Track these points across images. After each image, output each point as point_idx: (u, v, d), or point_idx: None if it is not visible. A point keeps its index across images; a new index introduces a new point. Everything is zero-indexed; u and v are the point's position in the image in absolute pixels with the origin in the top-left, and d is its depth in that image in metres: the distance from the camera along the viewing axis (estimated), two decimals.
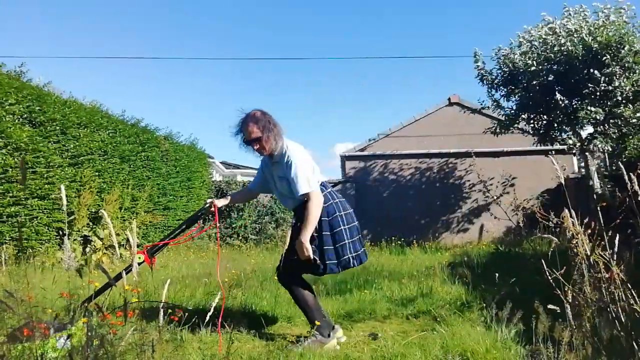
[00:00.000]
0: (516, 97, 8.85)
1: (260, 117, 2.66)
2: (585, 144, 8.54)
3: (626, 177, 1.69)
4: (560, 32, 7.92)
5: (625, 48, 7.41)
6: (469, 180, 11.23)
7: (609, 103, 7.89)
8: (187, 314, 2.69)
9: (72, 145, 6.46)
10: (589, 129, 8.64)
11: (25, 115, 5.77)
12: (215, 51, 57.63)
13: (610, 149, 8.26)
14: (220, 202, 2.90)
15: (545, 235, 2.03)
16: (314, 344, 2.54)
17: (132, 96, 71.63)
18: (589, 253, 1.68)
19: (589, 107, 7.80)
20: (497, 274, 3.29)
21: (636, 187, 1.66)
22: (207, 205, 2.87)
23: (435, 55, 41.47)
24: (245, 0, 61.74)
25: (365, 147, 12.08)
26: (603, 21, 7.69)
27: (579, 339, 1.76)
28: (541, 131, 9.15)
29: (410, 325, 3.15)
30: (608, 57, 7.41)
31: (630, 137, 8.07)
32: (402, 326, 3.14)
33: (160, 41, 61.99)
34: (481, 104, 9.66)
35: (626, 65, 7.57)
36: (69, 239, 5.79)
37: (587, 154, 8.69)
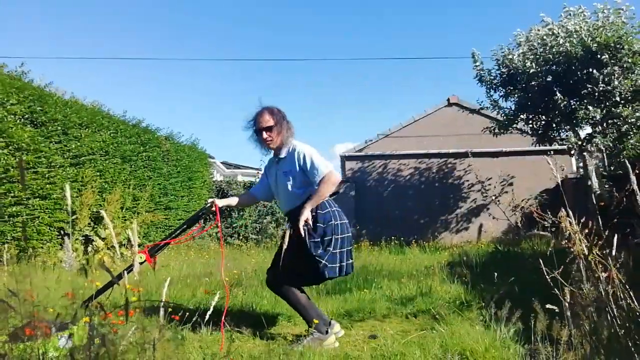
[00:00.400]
0: (515, 97, 8.87)
1: (276, 112, 2.80)
2: (584, 144, 8.56)
3: (623, 177, 1.70)
4: (559, 33, 7.94)
5: (625, 48, 7.43)
6: (467, 180, 11.25)
7: (607, 103, 7.91)
8: (188, 313, 2.70)
9: (73, 146, 6.48)
10: (588, 129, 8.66)
11: (26, 116, 5.78)
12: (215, 51, 57.71)
13: (609, 149, 8.28)
14: (222, 202, 2.91)
15: (543, 233, 2.04)
16: (314, 342, 2.56)
17: (133, 97, 71.62)
18: (586, 253, 1.70)
19: (587, 107, 7.82)
20: (496, 274, 3.31)
21: (635, 187, 1.67)
22: (208, 205, 2.89)
23: (436, 57, 41.42)
24: (245, 0, 61.79)
25: (364, 147, 12.09)
26: (602, 22, 7.71)
27: (577, 338, 1.78)
28: (540, 131, 9.17)
29: (409, 324, 3.16)
30: (607, 57, 7.43)
31: (629, 137, 8.09)
32: (402, 325, 3.16)
33: (160, 41, 62.04)
34: (480, 105, 9.69)
35: (625, 65, 7.59)
36: (69, 238, 5.81)
37: (585, 154, 8.71)
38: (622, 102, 7.82)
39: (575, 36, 7.74)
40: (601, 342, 1.67)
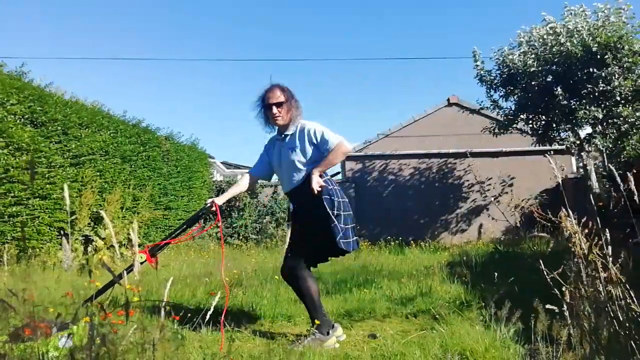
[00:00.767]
0: (515, 97, 8.87)
1: (287, 89, 2.85)
2: (584, 143, 8.56)
3: (618, 178, 1.70)
4: (560, 32, 7.95)
5: (625, 48, 7.44)
6: (467, 180, 11.26)
7: (607, 103, 7.91)
8: (188, 313, 2.70)
9: (73, 146, 6.48)
10: (588, 129, 8.66)
11: (26, 116, 5.78)
12: (216, 51, 57.66)
13: (608, 149, 8.28)
14: (221, 200, 2.89)
15: (542, 235, 2.04)
16: (314, 343, 2.56)
17: (133, 97, 71.56)
18: (586, 252, 1.70)
19: (587, 107, 7.83)
20: (495, 274, 3.31)
21: (632, 187, 1.67)
22: (208, 205, 2.88)
23: (436, 57, 41.42)
24: (245, 0, 61.77)
25: (364, 147, 12.10)
26: (603, 21, 7.72)
27: (577, 338, 1.78)
28: (540, 131, 9.18)
29: (409, 324, 3.16)
30: (607, 57, 7.44)
31: (629, 137, 8.10)
32: (402, 325, 3.16)
33: (160, 41, 62.04)
34: (480, 105, 9.69)
35: (625, 65, 7.60)
36: (69, 239, 5.82)
37: (583, 153, 8.72)
38: (622, 102, 7.83)
39: (576, 36, 7.74)
40: (601, 342, 1.67)
